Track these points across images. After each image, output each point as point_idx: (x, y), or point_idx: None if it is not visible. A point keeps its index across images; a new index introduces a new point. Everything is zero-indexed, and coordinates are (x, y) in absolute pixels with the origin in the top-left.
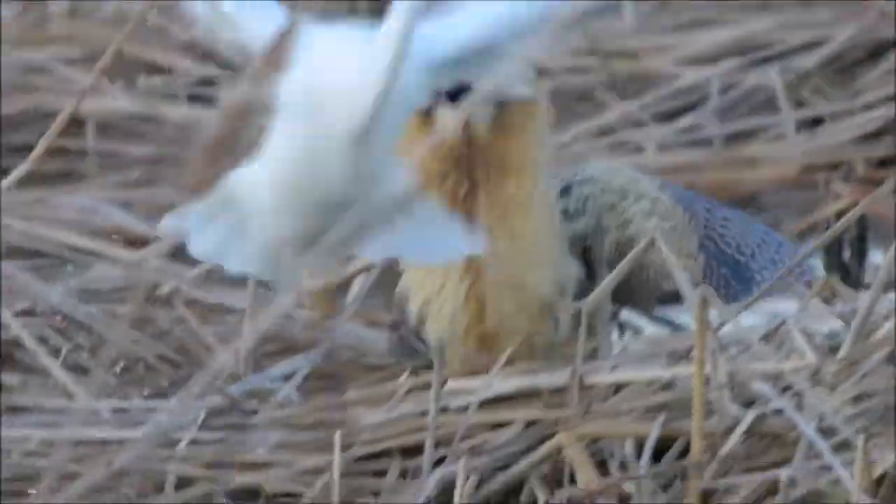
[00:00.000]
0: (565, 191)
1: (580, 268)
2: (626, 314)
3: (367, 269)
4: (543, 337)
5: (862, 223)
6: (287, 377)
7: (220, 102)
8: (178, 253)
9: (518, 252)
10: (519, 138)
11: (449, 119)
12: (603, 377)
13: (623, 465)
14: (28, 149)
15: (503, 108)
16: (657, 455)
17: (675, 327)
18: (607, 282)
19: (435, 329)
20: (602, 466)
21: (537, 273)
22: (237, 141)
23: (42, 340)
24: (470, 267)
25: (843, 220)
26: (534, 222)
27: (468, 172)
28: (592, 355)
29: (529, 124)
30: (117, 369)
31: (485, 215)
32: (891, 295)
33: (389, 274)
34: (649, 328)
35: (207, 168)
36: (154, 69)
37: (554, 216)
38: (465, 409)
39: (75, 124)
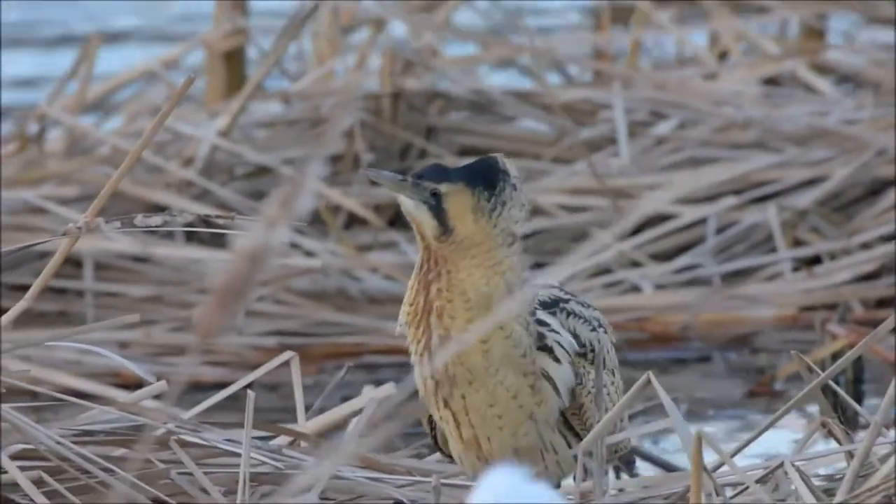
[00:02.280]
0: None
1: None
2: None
3: (359, 410)
4: (528, 438)
5: (858, 364)
6: None
7: (233, 248)
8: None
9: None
10: (463, 223)
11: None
12: None
13: None
14: (25, 288)
15: (440, 207)
16: None
17: (670, 468)
18: (605, 421)
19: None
20: None
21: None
22: (248, 286)
23: (39, 484)
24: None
25: (840, 361)
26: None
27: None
28: (588, 496)
29: (467, 212)
30: None
31: (448, 302)
32: (888, 436)
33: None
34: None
35: (218, 313)
36: (151, 208)
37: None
38: None
39: (73, 264)
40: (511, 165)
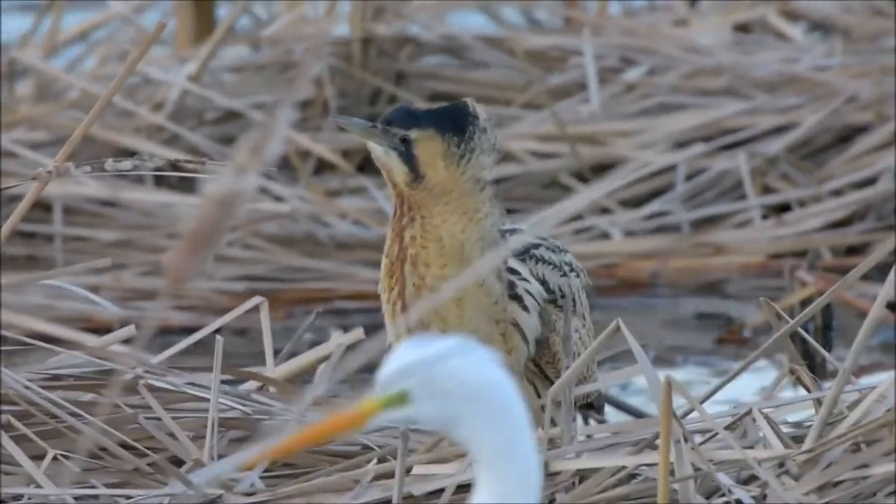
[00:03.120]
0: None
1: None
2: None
3: (328, 356)
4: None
5: (828, 312)
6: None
7: (203, 193)
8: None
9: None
10: (433, 170)
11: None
12: (568, 464)
13: None
14: None
15: (410, 154)
16: None
17: (638, 414)
18: (573, 369)
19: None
20: None
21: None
22: (218, 231)
23: (7, 427)
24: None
25: (809, 309)
26: (470, 234)
27: (407, 210)
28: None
29: (437, 158)
30: (82, 457)
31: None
32: (856, 384)
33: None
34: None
35: (188, 258)
36: (121, 152)
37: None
38: (430, 495)
39: (42, 208)
40: (481, 109)
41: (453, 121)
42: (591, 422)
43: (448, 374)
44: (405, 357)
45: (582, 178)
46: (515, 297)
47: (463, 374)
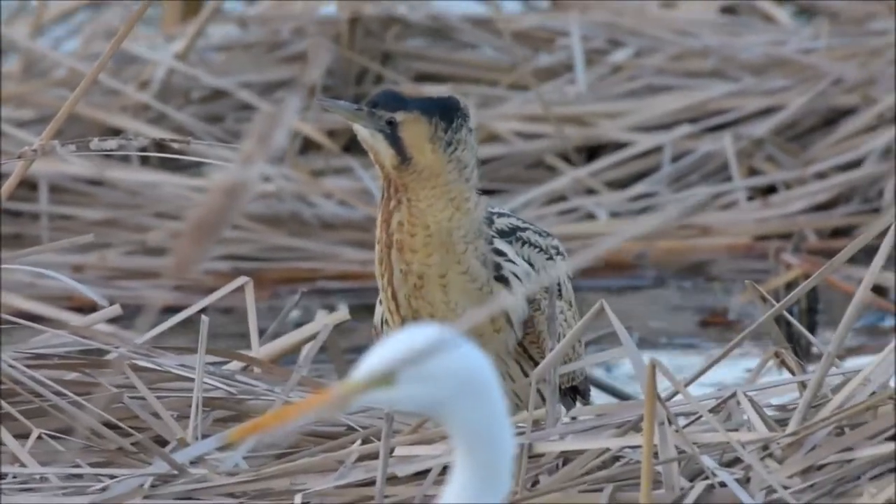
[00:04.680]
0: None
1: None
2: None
3: (313, 336)
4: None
5: (812, 294)
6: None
7: (209, 182)
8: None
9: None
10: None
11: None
12: (552, 446)
13: None
14: None
15: (396, 136)
16: None
17: (623, 396)
18: (558, 349)
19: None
20: None
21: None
22: (223, 221)
23: None
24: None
25: (795, 292)
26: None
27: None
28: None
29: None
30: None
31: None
32: (841, 367)
33: (335, 341)
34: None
35: (193, 247)
36: (107, 131)
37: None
38: (415, 476)
39: (28, 186)
40: (469, 110)
41: (441, 109)
42: (577, 404)
43: (435, 358)
44: (395, 342)
45: (567, 159)
46: (501, 279)
47: (449, 360)
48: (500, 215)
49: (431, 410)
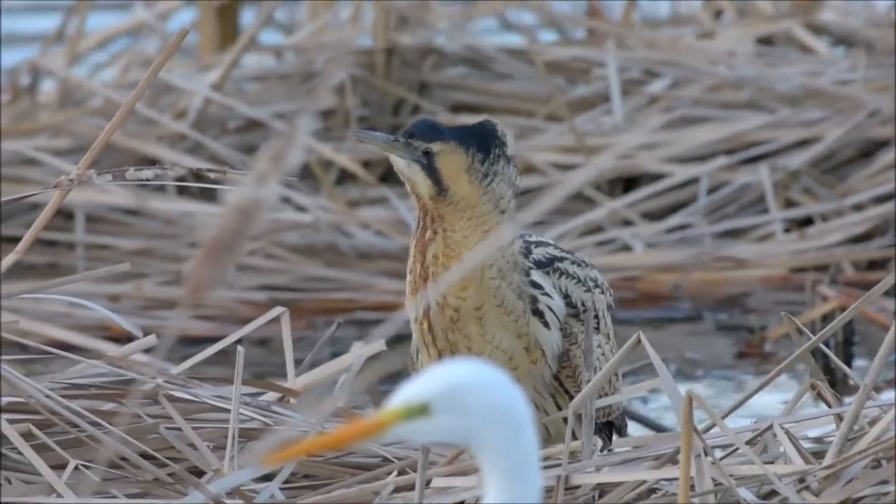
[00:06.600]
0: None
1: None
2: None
3: (349, 367)
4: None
5: (849, 326)
6: (271, 475)
7: (224, 202)
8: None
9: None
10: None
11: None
12: (588, 478)
13: None
14: (17, 240)
15: (433, 167)
16: None
17: (659, 428)
18: (595, 381)
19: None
20: None
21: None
22: (239, 241)
23: (28, 437)
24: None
25: (833, 325)
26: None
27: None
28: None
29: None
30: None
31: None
32: (877, 399)
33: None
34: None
35: (209, 267)
36: (143, 160)
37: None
38: None
39: (64, 216)
40: (507, 137)
41: (478, 139)
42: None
43: (471, 391)
44: (431, 374)
45: (602, 190)
46: (537, 313)
47: (485, 393)
48: (539, 244)
49: (465, 442)
